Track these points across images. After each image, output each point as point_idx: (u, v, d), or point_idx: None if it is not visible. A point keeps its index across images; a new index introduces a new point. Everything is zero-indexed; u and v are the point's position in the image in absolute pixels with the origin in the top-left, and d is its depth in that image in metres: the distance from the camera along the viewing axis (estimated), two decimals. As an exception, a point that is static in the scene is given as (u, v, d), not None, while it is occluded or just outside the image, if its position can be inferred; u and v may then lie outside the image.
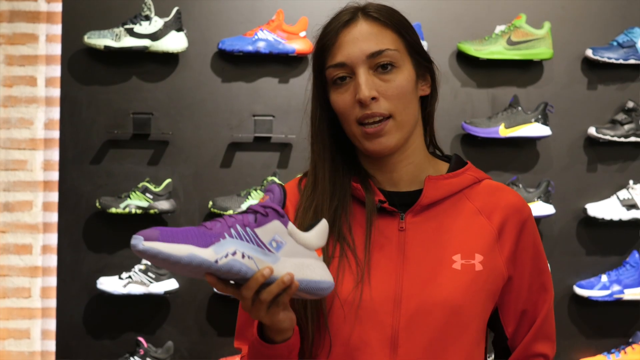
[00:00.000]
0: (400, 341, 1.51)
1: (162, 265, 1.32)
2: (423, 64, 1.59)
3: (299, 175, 1.66)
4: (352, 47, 1.53)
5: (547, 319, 1.63)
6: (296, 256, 1.38)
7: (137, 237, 1.29)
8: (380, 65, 1.53)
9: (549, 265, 3.76)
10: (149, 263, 3.75)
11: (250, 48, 3.79)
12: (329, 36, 1.56)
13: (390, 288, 1.52)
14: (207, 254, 1.30)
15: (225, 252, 1.31)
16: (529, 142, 3.90)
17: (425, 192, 1.57)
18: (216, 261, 1.31)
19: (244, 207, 3.72)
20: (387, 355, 1.51)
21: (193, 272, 1.33)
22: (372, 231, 1.56)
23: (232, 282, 1.37)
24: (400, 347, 1.51)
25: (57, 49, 3.86)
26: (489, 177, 1.65)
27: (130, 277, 3.73)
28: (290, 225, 1.39)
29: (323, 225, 1.41)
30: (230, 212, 3.71)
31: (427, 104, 1.63)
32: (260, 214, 1.37)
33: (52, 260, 3.84)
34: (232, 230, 1.34)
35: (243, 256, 1.33)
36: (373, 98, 1.52)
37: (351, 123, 1.55)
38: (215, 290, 3.73)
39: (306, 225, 1.48)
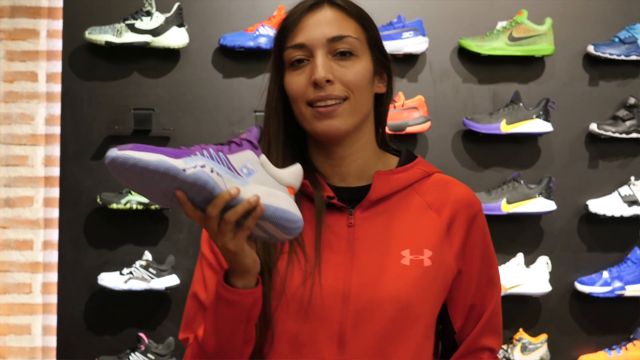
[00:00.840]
0: (348, 337, 1.50)
1: (130, 178, 1.31)
2: (382, 61, 1.59)
3: None
4: (314, 29, 1.53)
5: (495, 313, 1.61)
6: (266, 185, 1.38)
7: (111, 149, 1.29)
8: (339, 51, 1.53)
9: (549, 262, 3.77)
10: (150, 259, 3.75)
11: (251, 44, 3.78)
12: (292, 18, 1.55)
13: (338, 284, 1.52)
14: (176, 162, 1.30)
15: (194, 163, 1.31)
16: (531, 139, 3.90)
17: (374, 187, 1.57)
18: (184, 170, 1.30)
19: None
20: (335, 351, 1.50)
21: (161, 187, 1.33)
22: (321, 227, 1.55)
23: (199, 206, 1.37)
24: (347, 344, 1.50)
25: (58, 45, 3.86)
26: (439, 170, 1.65)
27: (131, 273, 3.73)
28: (263, 157, 1.40)
29: (297, 167, 1.42)
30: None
31: (381, 102, 1.62)
32: (234, 144, 1.39)
33: (53, 256, 3.83)
34: (205, 151, 1.34)
35: (212, 171, 1.32)
36: (328, 81, 1.51)
37: (301, 104, 1.54)
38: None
39: None
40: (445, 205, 1.58)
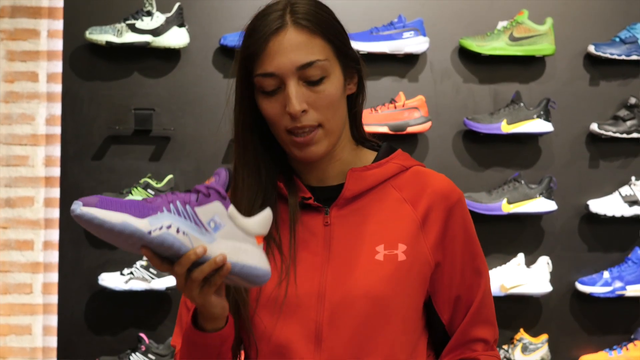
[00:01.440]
0: (324, 335, 1.51)
1: (97, 233, 1.32)
2: (351, 65, 1.58)
3: None
4: (282, 57, 1.49)
5: (484, 303, 1.60)
6: (233, 239, 1.37)
7: (76, 202, 1.28)
8: (310, 77, 1.51)
9: (550, 262, 3.77)
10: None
11: (252, 44, 3.78)
12: (257, 43, 1.51)
13: (314, 283, 1.53)
14: (142, 224, 1.29)
15: (160, 224, 1.30)
16: (531, 138, 3.90)
17: (347, 185, 1.57)
18: (149, 232, 1.29)
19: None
20: (312, 350, 1.52)
21: (128, 243, 1.33)
22: (297, 228, 1.56)
23: (167, 258, 1.37)
24: (324, 341, 1.51)
25: (58, 45, 3.86)
26: (419, 163, 1.64)
27: (131, 273, 3.73)
28: (232, 208, 1.38)
29: (266, 214, 1.40)
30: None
31: (354, 103, 1.61)
32: (202, 194, 1.36)
33: (54, 256, 3.83)
34: (172, 206, 1.33)
35: (178, 231, 1.32)
36: (303, 111, 1.51)
37: (280, 130, 1.53)
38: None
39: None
40: (421, 197, 1.57)
